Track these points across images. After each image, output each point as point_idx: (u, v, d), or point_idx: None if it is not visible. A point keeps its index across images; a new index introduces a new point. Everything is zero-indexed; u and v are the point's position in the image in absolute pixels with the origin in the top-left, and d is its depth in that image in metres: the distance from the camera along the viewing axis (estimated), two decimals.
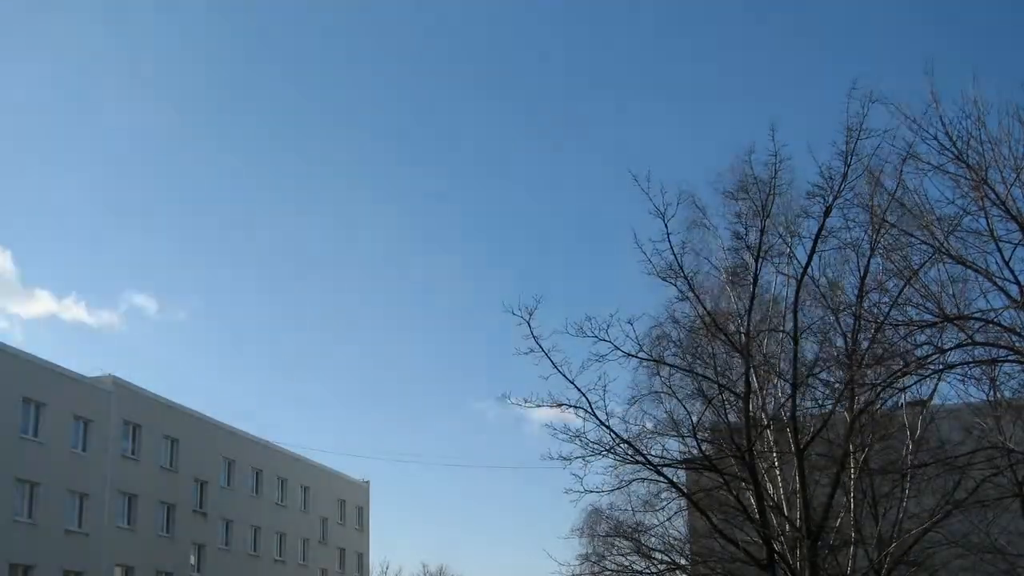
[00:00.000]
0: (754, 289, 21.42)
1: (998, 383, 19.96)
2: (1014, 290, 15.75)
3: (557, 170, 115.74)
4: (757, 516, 21.64)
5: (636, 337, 20.73)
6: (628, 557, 28.02)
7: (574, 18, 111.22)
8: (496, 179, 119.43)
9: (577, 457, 20.83)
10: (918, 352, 17.45)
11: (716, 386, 22.12)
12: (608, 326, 20.23)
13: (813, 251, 20.48)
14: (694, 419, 21.87)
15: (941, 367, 17.81)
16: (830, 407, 21.22)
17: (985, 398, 20.61)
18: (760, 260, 21.25)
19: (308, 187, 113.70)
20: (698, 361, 22.97)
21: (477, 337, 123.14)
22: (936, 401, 23.37)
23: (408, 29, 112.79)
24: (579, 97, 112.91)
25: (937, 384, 21.65)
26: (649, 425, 23.80)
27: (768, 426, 23.06)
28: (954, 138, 15.81)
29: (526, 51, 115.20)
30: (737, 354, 21.79)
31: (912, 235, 17.41)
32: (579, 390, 20.44)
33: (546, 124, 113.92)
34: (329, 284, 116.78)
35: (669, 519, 27.11)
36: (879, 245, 19.36)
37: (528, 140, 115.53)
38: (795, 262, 21.81)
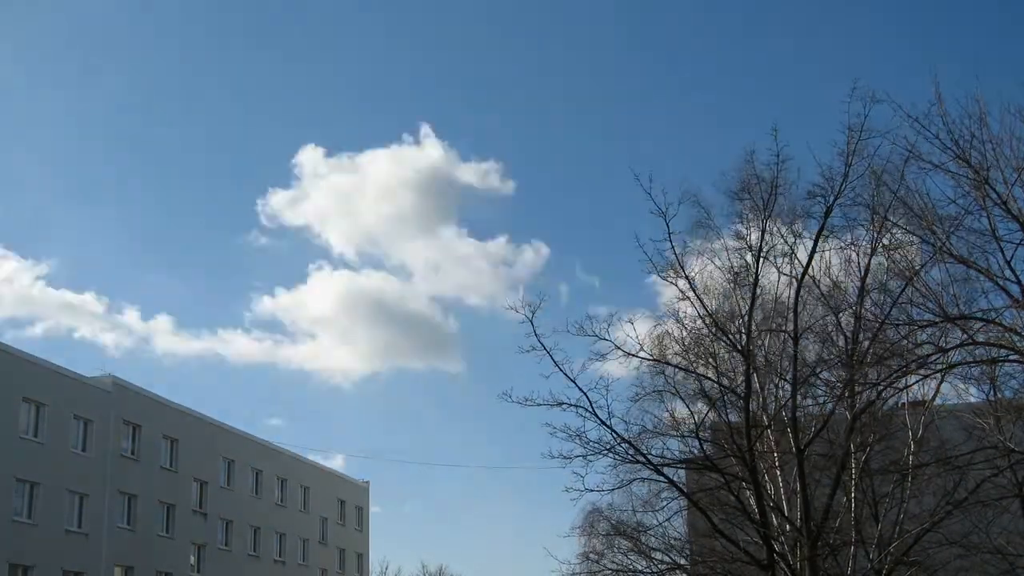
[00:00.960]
0: (755, 289, 21.40)
1: (998, 383, 20.00)
2: (1015, 290, 15.76)
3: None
4: (757, 516, 21.63)
5: (637, 337, 20.80)
6: (628, 556, 28.01)
7: (574, 18, 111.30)
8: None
9: (577, 456, 20.84)
10: (919, 352, 17.45)
11: (717, 386, 22.11)
12: (608, 325, 20.27)
13: (814, 251, 20.50)
14: (695, 419, 21.87)
15: (942, 367, 17.81)
16: (831, 407, 21.20)
17: (985, 398, 20.63)
18: (761, 260, 21.27)
19: None
20: (699, 361, 22.96)
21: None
22: (936, 401, 23.38)
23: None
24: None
25: (940, 384, 21.67)
26: (650, 425, 23.80)
27: (769, 426, 23.06)
28: (956, 137, 15.82)
29: (526, 51, 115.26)
30: (738, 354, 21.78)
31: (913, 234, 17.42)
32: (580, 389, 20.46)
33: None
34: None
35: (669, 519, 27.10)
36: (880, 245, 19.37)
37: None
38: (796, 262, 21.82)
